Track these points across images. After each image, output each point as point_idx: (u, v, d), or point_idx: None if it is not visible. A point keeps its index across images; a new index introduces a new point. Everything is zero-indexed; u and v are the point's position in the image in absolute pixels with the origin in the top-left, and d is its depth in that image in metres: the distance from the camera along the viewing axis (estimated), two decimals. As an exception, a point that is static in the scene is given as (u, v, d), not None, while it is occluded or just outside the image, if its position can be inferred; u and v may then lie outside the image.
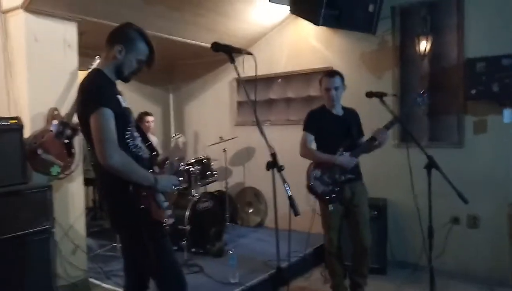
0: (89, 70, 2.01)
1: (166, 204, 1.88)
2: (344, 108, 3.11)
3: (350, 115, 3.12)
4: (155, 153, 1.99)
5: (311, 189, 2.98)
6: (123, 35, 1.91)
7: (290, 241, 1.93)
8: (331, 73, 3.10)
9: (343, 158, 2.93)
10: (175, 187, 1.95)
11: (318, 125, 3.05)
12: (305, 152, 3.04)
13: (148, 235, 1.82)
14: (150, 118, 4.79)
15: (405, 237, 4.02)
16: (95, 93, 1.79)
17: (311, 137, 3.04)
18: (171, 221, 1.88)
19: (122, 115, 1.83)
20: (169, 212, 1.89)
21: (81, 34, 3.40)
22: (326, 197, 2.94)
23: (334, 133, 3.01)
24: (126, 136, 1.84)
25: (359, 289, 3.07)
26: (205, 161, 4.53)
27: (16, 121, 2.77)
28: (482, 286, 3.50)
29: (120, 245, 2.18)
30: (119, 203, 1.84)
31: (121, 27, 1.94)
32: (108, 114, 1.74)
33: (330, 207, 2.92)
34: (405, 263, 3.96)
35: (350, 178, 2.98)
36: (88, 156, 2.02)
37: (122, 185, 1.78)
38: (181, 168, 4.00)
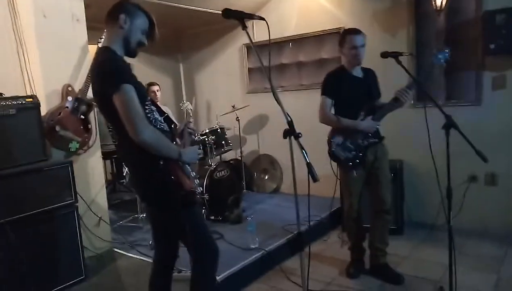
0: (99, 46, 1.98)
1: (193, 174, 1.94)
2: (363, 69, 2.98)
3: (370, 76, 3.00)
4: (173, 124, 2.01)
5: (333, 156, 2.93)
6: (124, 7, 1.89)
7: (309, 206, 1.94)
8: (355, 30, 2.90)
9: (366, 123, 2.84)
10: (198, 157, 1.99)
11: (337, 89, 2.90)
12: (324, 118, 2.93)
13: (181, 204, 1.87)
14: (155, 87, 4.62)
15: (421, 198, 4.03)
16: (114, 72, 1.77)
17: (330, 102, 2.92)
18: (199, 189, 1.95)
19: (140, 90, 1.82)
20: (196, 181, 1.96)
21: (86, 7, 3.35)
22: (350, 163, 2.88)
23: (355, 96, 2.89)
24: (146, 111, 1.84)
25: (381, 255, 3.04)
26: (219, 130, 4.55)
27: (32, 99, 2.79)
28: (501, 243, 3.51)
29: (149, 216, 2.22)
30: (151, 177, 1.86)
31: (119, 2, 1.93)
32: (131, 90, 1.74)
33: (354, 173, 2.87)
34: (422, 223, 3.99)
35: (373, 142, 2.92)
36: (110, 135, 2.02)
37: (151, 160, 1.80)
38: (197, 138, 4.03)
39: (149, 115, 1.86)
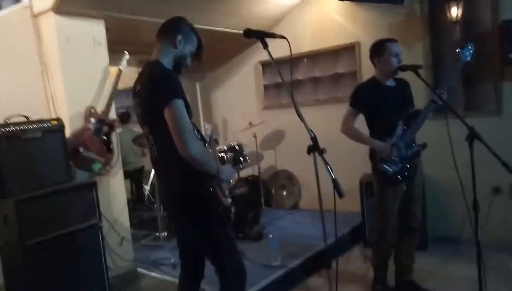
0: (149, 62, 1.99)
1: (227, 192, 1.97)
2: (395, 79, 2.88)
3: (403, 86, 2.92)
4: (206, 142, 2.04)
5: (379, 172, 2.78)
6: (181, 26, 1.97)
7: (336, 222, 1.93)
8: (392, 39, 2.85)
9: (379, 144, 2.74)
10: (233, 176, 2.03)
11: (371, 101, 2.81)
12: (346, 129, 2.85)
13: (217, 222, 1.89)
14: None
15: (444, 211, 3.95)
16: (168, 85, 1.80)
17: (355, 115, 2.85)
18: (233, 208, 1.95)
19: (188, 105, 1.86)
20: (230, 200, 1.97)
21: (106, 30, 3.45)
22: (399, 177, 2.75)
23: (390, 108, 2.78)
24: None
25: (407, 271, 2.98)
26: (237, 147, 4.57)
27: (57, 122, 2.85)
28: (530, 256, 3.42)
29: (179, 234, 2.19)
30: (192, 192, 1.88)
31: (177, 20, 2.00)
32: (183, 105, 1.79)
33: (403, 187, 2.76)
34: (446, 237, 3.91)
35: (418, 151, 2.80)
36: (147, 149, 2.05)
37: (195, 175, 1.83)
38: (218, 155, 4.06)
39: (194, 130, 1.89)
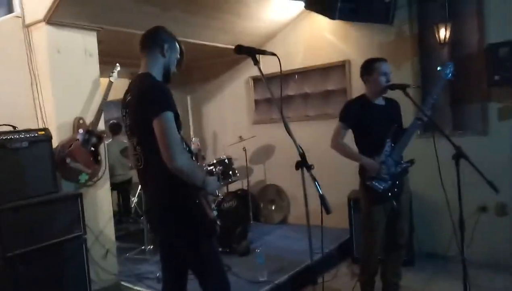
0: (139, 75, 2.00)
1: (213, 205, 1.95)
2: (384, 98, 2.93)
3: (392, 106, 2.96)
4: (192, 155, 2.04)
5: (370, 189, 2.78)
6: (164, 35, 2.00)
7: (322, 238, 1.93)
8: (382, 58, 2.90)
9: (367, 161, 2.76)
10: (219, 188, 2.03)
11: (359, 117, 2.84)
12: (335, 144, 2.87)
13: (204, 234, 1.88)
14: None
15: (431, 228, 3.98)
16: (159, 97, 1.82)
17: (345, 130, 2.88)
18: (219, 221, 1.98)
19: (178, 117, 1.87)
20: (215, 213, 1.96)
21: (98, 43, 3.46)
22: (389, 194, 2.77)
23: (378, 126, 2.80)
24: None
25: (393, 288, 2.98)
26: (226, 160, 4.56)
27: (45, 132, 2.83)
28: (514, 275, 3.44)
29: (163, 247, 2.16)
30: (178, 204, 1.88)
31: (157, 29, 2.02)
32: (172, 118, 1.79)
33: (394, 204, 2.77)
34: (433, 254, 3.93)
35: (406, 167, 2.82)
36: (132, 159, 2.04)
37: (181, 187, 1.83)
38: (205, 168, 4.05)
39: (182, 143, 1.89)
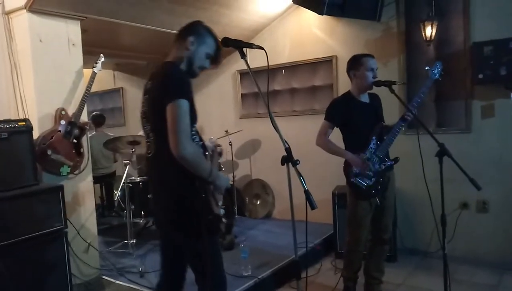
0: (163, 63, 1.98)
1: (221, 202, 1.93)
2: (368, 94, 2.94)
3: (375, 100, 2.98)
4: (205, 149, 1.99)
5: (353, 186, 2.82)
6: (194, 29, 1.98)
7: (307, 233, 1.93)
8: (369, 54, 2.91)
9: (352, 156, 2.78)
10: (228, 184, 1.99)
11: (345, 115, 2.85)
12: (320, 142, 2.89)
13: (207, 230, 1.82)
14: None
15: (414, 225, 4.03)
16: (176, 84, 1.81)
17: (331, 128, 2.89)
18: (224, 219, 1.90)
19: (193, 111, 1.84)
20: (222, 211, 1.94)
21: (83, 32, 3.38)
22: (372, 191, 2.79)
23: (364, 123, 2.83)
24: (192, 133, 1.84)
25: (375, 283, 3.00)
26: (212, 154, 4.53)
27: (25, 123, 2.75)
28: (493, 270, 3.52)
29: (164, 242, 2.12)
30: (183, 196, 1.83)
31: (192, 23, 2.02)
32: (186, 106, 1.77)
33: (377, 201, 2.80)
34: (415, 250, 3.99)
35: (390, 165, 2.85)
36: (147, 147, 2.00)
37: (188, 178, 1.79)
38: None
39: (194, 137, 1.86)
